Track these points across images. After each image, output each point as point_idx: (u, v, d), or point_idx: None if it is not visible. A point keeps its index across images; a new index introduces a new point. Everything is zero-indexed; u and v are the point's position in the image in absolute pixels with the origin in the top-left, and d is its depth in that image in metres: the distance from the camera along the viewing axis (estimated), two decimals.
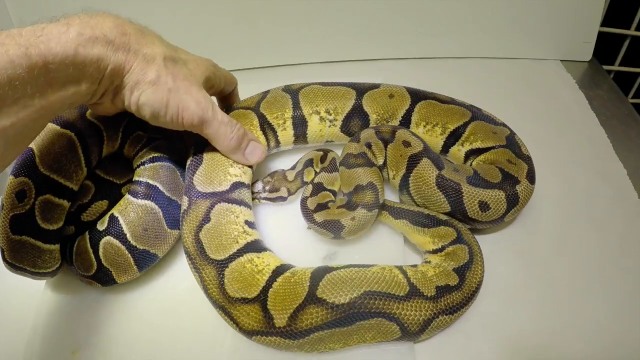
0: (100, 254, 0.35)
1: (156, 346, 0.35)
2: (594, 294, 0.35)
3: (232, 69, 0.59)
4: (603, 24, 0.54)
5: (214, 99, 0.41)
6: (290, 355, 0.32)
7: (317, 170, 0.41)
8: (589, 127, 0.47)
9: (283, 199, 0.40)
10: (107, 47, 0.28)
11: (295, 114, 0.42)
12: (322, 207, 0.36)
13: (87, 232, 0.37)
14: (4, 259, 0.35)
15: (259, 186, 0.40)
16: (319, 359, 0.32)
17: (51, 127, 0.36)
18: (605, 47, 0.56)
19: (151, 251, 0.36)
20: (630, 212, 0.40)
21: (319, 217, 0.35)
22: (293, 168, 0.42)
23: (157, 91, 0.31)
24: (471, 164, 0.40)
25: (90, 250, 0.36)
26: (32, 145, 0.35)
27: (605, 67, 0.57)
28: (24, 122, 0.25)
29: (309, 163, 0.41)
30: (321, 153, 0.41)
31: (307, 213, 0.37)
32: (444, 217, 0.36)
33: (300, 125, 0.43)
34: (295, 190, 0.41)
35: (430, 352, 0.32)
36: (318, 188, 0.38)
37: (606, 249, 0.37)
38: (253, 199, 0.40)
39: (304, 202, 0.37)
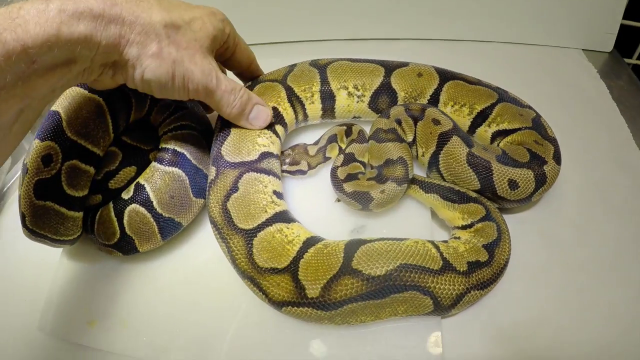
0: (125, 222, 0.35)
1: (177, 316, 0.35)
2: (612, 280, 0.35)
3: (254, 43, 0.59)
4: (625, 17, 0.54)
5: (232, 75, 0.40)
6: (317, 327, 0.33)
7: (342, 145, 0.41)
8: (609, 116, 0.48)
9: (302, 172, 0.40)
10: (96, 22, 0.25)
11: (323, 88, 0.42)
12: (351, 177, 0.36)
13: (110, 202, 0.36)
14: (25, 225, 0.34)
15: (284, 160, 0.40)
16: (346, 331, 0.32)
17: (79, 91, 0.35)
18: (625, 40, 0.57)
19: (176, 219, 0.36)
20: None
21: (348, 187, 0.35)
22: (316, 143, 0.41)
23: (162, 64, 0.29)
24: (498, 145, 0.41)
25: (115, 219, 0.35)
26: (59, 109, 0.34)
27: (625, 60, 0.57)
28: (10, 114, 0.23)
29: (333, 138, 0.41)
30: (345, 127, 0.41)
31: (337, 182, 0.36)
32: (474, 195, 0.36)
33: (328, 99, 0.42)
34: (316, 165, 0.40)
35: (455, 327, 0.33)
36: (349, 158, 0.38)
37: (624, 237, 0.38)
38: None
39: (334, 171, 0.37)
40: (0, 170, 0.48)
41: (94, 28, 0.25)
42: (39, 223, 0.34)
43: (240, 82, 0.38)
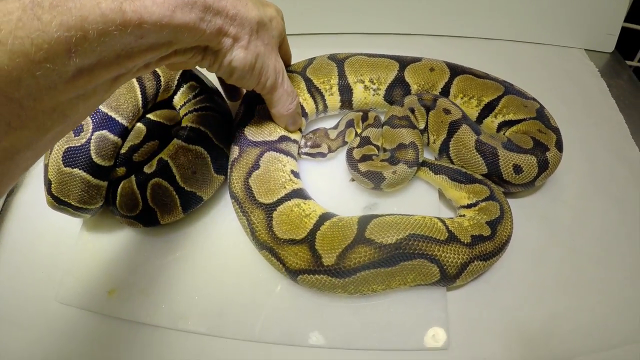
0: (148, 194, 0.38)
1: (196, 286, 0.38)
2: (608, 262, 0.39)
3: None
4: (627, 20, 0.58)
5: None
6: (330, 297, 0.36)
7: (358, 130, 0.45)
8: (608, 112, 0.52)
9: (323, 155, 0.43)
10: (205, 13, 0.27)
11: (341, 81, 0.46)
12: (366, 158, 0.40)
13: (133, 175, 0.39)
14: (50, 192, 0.37)
15: (300, 141, 0.43)
16: (358, 304, 0.36)
17: None
18: (628, 43, 0.61)
19: (197, 193, 0.39)
20: None
21: (363, 166, 0.39)
22: (335, 127, 0.45)
23: (248, 55, 0.31)
24: (504, 134, 0.44)
25: (137, 192, 0.38)
26: None
27: (627, 62, 0.61)
28: (104, 80, 0.24)
29: (351, 123, 0.44)
30: (361, 113, 0.45)
31: (353, 162, 0.40)
32: (479, 177, 0.40)
33: (346, 92, 0.46)
34: (336, 148, 0.44)
35: (460, 299, 0.37)
36: (365, 141, 0.42)
37: (621, 223, 0.42)
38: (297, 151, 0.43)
39: (350, 152, 0.41)
40: None
41: (202, 18, 0.27)
42: (65, 190, 0.37)
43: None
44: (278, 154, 0.39)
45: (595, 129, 0.50)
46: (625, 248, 0.40)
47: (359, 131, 0.45)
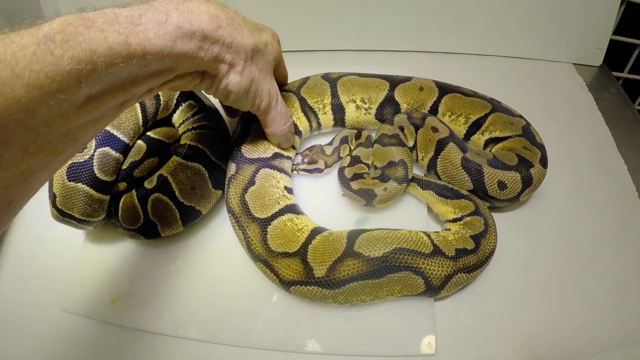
0: (149, 209, 0.41)
1: (196, 295, 0.40)
2: (592, 272, 0.41)
3: None
4: (615, 32, 0.61)
5: None
6: (323, 308, 0.38)
7: (352, 146, 0.47)
8: (595, 125, 0.54)
9: (320, 170, 0.46)
10: (204, 42, 0.29)
11: (334, 101, 0.49)
12: (357, 176, 0.43)
13: (133, 190, 0.42)
14: (54, 206, 0.40)
15: (297, 159, 0.46)
16: (349, 313, 0.38)
17: None
18: (616, 55, 0.63)
19: (196, 208, 0.42)
20: (628, 204, 0.47)
21: (354, 185, 0.42)
22: (330, 144, 0.48)
23: (243, 80, 0.34)
24: (490, 151, 0.47)
25: (138, 206, 0.41)
26: None
27: (615, 74, 0.64)
28: (112, 106, 0.26)
29: (345, 140, 0.47)
30: (355, 131, 0.48)
31: (344, 180, 0.43)
32: (465, 192, 0.42)
33: (338, 111, 0.49)
34: (332, 164, 0.47)
35: (448, 309, 0.39)
36: (355, 160, 0.45)
37: (606, 234, 0.44)
38: (292, 170, 0.46)
39: (341, 171, 0.44)
40: None
41: (201, 47, 0.29)
42: (68, 203, 0.39)
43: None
44: (272, 170, 0.42)
45: (581, 142, 0.52)
46: (609, 257, 0.42)
47: (352, 147, 0.47)
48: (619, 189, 0.48)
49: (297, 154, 0.47)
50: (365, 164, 0.45)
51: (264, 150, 0.43)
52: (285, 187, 0.42)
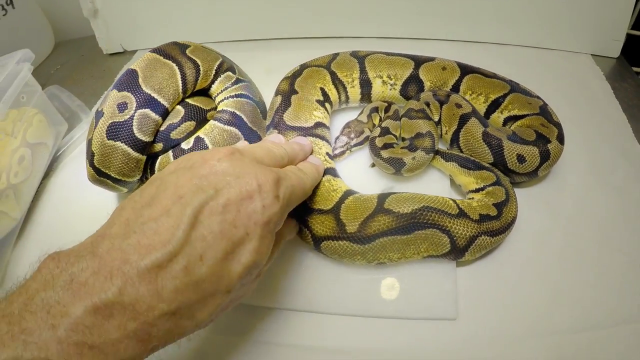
0: None
1: None
2: (608, 247, 0.45)
3: (295, 37, 0.73)
4: (634, 27, 0.68)
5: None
6: (349, 272, 0.43)
7: (382, 116, 0.54)
8: (612, 112, 0.60)
9: (368, 137, 0.52)
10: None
11: (362, 76, 0.56)
12: (387, 146, 0.49)
13: (170, 151, 0.47)
14: (92, 164, 0.44)
15: (343, 139, 0.51)
16: (374, 276, 0.43)
17: (155, 56, 0.47)
18: (635, 49, 0.70)
19: None
20: None
21: (385, 153, 0.48)
22: (361, 113, 0.54)
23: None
24: (509, 128, 0.53)
25: None
26: (137, 68, 0.45)
27: (634, 69, 0.70)
28: None
29: (375, 110, 0.54)
30: (385, 104, 0.54)
31: (375, 149, 0.49)
32: (486, 164, 0.48)
33: (366, 85, 0.56)
34: (372, 129, 0.53)
35: (469, 274, 0.44)
36: (385, 131, 0.51)
37: (622, 212, 0.49)
38: (342, 153, 0.50)
39: (373, 140, 0.50)
40: (57, 134, 0.61)
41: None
42: (106, 162, 0.43)
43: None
44: (314, 138, 0.48)
45: (599, 127, 0.58)
46: (624, 234, 0.46)
47: (382, 117, 0.54)
48: (635, 171, 0.53)
49: (337, 137, 0.52)
50: (393, 134, 0.51)
51: (306, 120, 0.50)
52: (327, 153, 0.48)
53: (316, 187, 0.43)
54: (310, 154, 0.45)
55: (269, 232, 0.31)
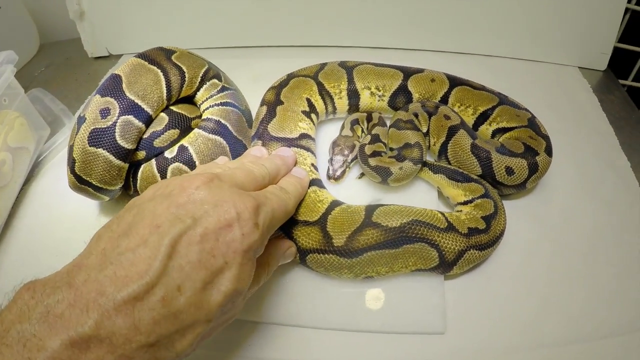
0: (168, 177, 0.44)
1: None
2: (596, 258, 0.45)
3: (283, 45, 0.71)
4: (621, 40, 0.68)
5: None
6: (334, 285, 0.42)
7: (364, 126, 0.53)
8: (599, 124, 0.60)
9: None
10: None
11: (350, 87, 0.55)
12: (376, 154, 0.48)
13: (153, 159, 0.45)
14: (73, 171, 0.43)
15: (339, 159, 0.49)
16: (361, 290, 0.42)
17: (140, 62, 0.45)
18: (621, 62, 0.70)
19: None
20: (631, 198, 0.51)
21: (372, 161, 0.47)
22: (342, 129, 0.53)
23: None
24: (498, 140, 0.52)
25: (158, 175, 0.45)
26: (121, 73, 0.44)
27: (620, 82, 0.70)
28: None
29: (355, 122, 0.53)
30: (365, 114, 0.54)
31: (364, 157, 0.48)
32: (475, 177, 0.47)
33: (353, 97, 0.55)
34: (359, 141, 0.52)
35: (457, 289, 0.43)
36: (375, 138, 0.50)
37: (609, 224, 0.48)
38: (343, 172, 0.48)
39: (362, 147, 0.49)
40: (39, 139, 0.58)
41: None
42: (87, 169, 0.42)
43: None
44: (299, 149, 0.47)
45: (586, 139, 0.58)
46: (612, 245, 0.46)
47: (364, 128, 0.53)
48: (623, 183, 0.53)
49: (331, 159, 0.50)
50: (383, 142, 0.50)
51: (291, 131, 0.48)
52: (312, 164, 0.47)
53: (302, 199, 0.42)
54: (295, 165, 0.43)
55: (249, 260, 0.30)
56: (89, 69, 0.73)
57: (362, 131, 0.53)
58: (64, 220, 0.50)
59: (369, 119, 0.53)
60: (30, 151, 0.56)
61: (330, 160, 0.49)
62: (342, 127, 0.54)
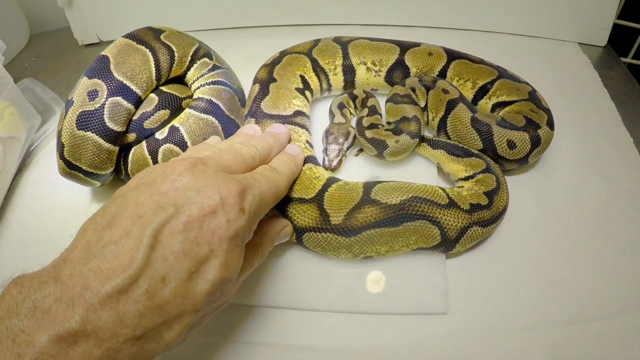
0: (159, 159, 0.42)
1: None
2: (600, 236, 0.43)
3: (277, 24, 0.68)
4: (621, 17, 0.65)
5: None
6: (333, 266, 0.40)
7: (350, 109, 0.51)
8: (600, 100, 0.58)
9: (355, 136, 0.47)
10: None
11: (345, 62, 0.52)
12: (373, 126, 0.46)
13: (144, 141, 0.43)
14: (62, 157, 0.41)
15: (334, 148, 0.45)
16: (360, 270, 0.40)
17: (128, 42, 0.43)
18: (622, 39, 0.67)
19: None
20: (635, 173, 0.49)
21: (369, 133, 0.45)
22: (333, 117, 0.50)
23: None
24: (498, 114, 0.50)
25: (148, 157, 0.43)
26: (109, 54, 0.42)
27: (621, 59, 0.68)
28: None
29: (342, 106, 0.51)
30: (346, 95, 0.51)
31: (361, 129, 0.46)
32: (475, 151, 0.45)
33: (349, 72, 0.52)
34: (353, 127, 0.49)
35: (459, 267, 0.41)
36: (373, 110, 0.48)
37: (614, 200, 0.46)
38: (340, 161, 0.45)
39: (360, 120, 0.47)
40: (30, 128, 0.56)
41: None
42: (77, 154, 0.40)
43: None
44: (293, 126, 0.45)
45: (587, 115, 0.56)
46: (616, 223, 0.44)
47: (351, 110, 0.51)
48: (626, 159, 0.51)
49: (326, 148, 0.46)
50: (379, 114, 0.48)
51: (285, 108, 0.46)
52: (307, 141, 0.45)
53: (297, 175, 0.40)
54: (288, 142, 0.41)
55: (236, 246, 0.29)
56: (79, 56, 0.71)
57: (351, 113, 0.51)
58: (55, 209, 0.49)
59: (353, 96, 0.51)
60: (22, 141, 0.54)
61: (325, 150, 0.46)
62: (332, 114, 0.51)
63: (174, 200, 0.27)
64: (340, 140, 0.46)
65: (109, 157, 0.42)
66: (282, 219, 0.39)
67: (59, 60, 0.71)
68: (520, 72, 0.54)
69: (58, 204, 0.49)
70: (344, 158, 0.46)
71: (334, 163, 0.44)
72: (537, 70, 0.61)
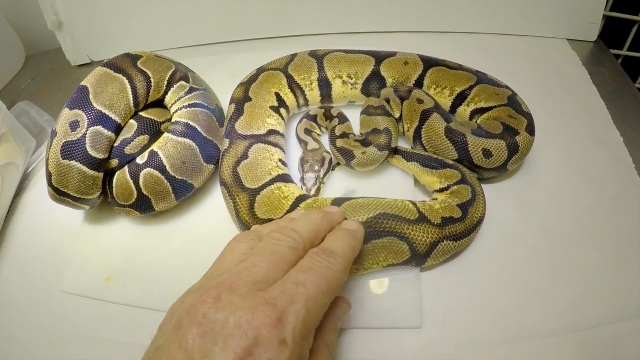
0: (141, 183, 0.43)
1: (189, 270, 0.41)
2: (585, 243, 0.42)
3: (259, 37, 0.68)
4: (612, 9, 0.62)
5: None
6: None
7: (316, 130, 0.51)
8: (589, 99, 0.55)
9: (331, 160, 0.47)
10: None
11: (321, 76, 0.52)
12: (344, 135, 0.46)
13: (126, 166, 0.44)
14: (50, 184, 0.43)
15: (311, 176, 0.45)
16: None
17: (105, 70, 0.44)
18: (615, 32, 0.64)
19: (188, 181, 0.44)
20: (624, 177, 0.47)
21: (339, 142, 0.45)
22: (305, 145, 0.49)
23: None
24: (476, 121, 0.48)
25: (130, 181, 0.43)
26: (88, 84, 0.43)
27: (614, 52, 0.64)
28: None
29: (308, 131, 0.50)
30: (323, 110, 0.51)
31: (333, 137, 0.46)
32: (450, 162, 0.44)
33: (325, 86, 0.52)
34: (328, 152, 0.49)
35: (434, 280, 0.40)
36: (343, 118, 0.49)
37: (600, 206, 0.44)
38: (318, 189, 0.44)
39: (332, 129, 0.47)
40: (26, 152, 0.58)
41: None
42: (63, 181, 0.42)
43: None
44: (266, 145, 0.45)
45: (575, 116, 0.53)
46: (603, 229, 0.43)
47: (317, 131, 0.52)
48: (615, 161, 0.49)
49: (302, 177, 0.45)
50: (348, 120, 0.49)
51: (258, 127, 0.46)
52: (280, 160, 0.45)
53: (265, 196, 0.40)
54: (342, 219, 0.35)
55: None
56: (72, 77, 0.72)
57: (319, 134, 0.51)
58: (51, 230, 0.50)
59: (312, 118, 0.51)
60: (19, 166, 0.56)
61: (302, 179, 0.45)
62: (303, 142, 0.49)
63: (204, 352, 0.24)
64: (316, 168, 0.46)
65: (94, 183, 0.43)
66: (337, 300, 0.33)
67: (53, 81, 0.73)
68: (504, 74, 0.52)
69: (53, 225, 0.51)
70: (322, 185, 0.45)
71: (312, 192, 0.44)
72: (522, 71, 0.59)
